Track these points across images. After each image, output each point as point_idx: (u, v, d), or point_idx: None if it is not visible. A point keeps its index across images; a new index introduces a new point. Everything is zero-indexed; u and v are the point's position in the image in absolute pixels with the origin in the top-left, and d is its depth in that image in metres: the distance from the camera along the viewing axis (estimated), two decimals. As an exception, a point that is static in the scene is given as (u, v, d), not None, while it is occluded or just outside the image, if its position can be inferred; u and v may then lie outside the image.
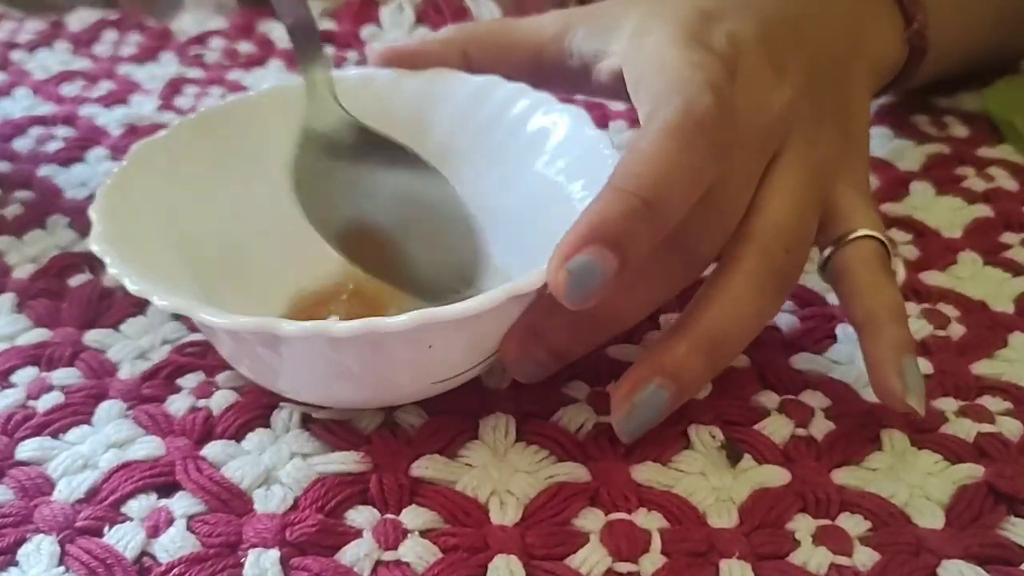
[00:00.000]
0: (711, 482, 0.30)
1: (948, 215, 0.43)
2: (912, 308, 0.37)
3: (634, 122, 0.48)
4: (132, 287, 0.28)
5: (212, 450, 0.31)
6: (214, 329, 0.30)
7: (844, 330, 0.36)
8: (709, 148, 0.29)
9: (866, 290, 0.32)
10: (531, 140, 0.36)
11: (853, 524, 0.29)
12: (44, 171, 0.45)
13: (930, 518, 0.29)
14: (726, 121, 0.30)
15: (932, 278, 0.39)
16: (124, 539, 0.28)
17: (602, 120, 0.48)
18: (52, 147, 0.46)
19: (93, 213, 0.31)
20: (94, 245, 0.30)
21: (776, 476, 0.30)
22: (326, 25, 0.57)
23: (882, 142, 0.48)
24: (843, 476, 0.30)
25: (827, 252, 0.34)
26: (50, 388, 0.33)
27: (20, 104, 0.50)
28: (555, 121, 0.36)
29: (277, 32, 0.57)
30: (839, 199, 0.34)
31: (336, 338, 0.26)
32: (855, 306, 0.32)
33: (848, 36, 0.39)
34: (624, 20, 0.37)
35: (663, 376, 0.30)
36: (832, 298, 0.38)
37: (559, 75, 0.38)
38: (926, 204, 0.44)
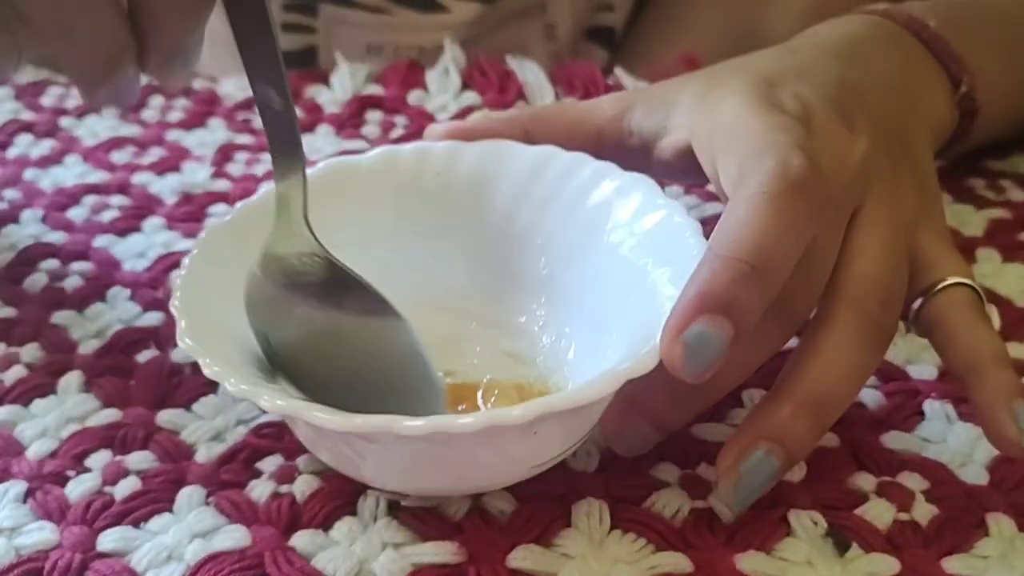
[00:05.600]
0: (819, 572, 0.29)
1: (1018, 283, 0.42)
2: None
3: (690, 188, 0.47)
4: (233, 389, 0.28)
5: (300, 540, 0.30)
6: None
7: (931, 406, 0.35)
8: (807, 208, 0.30)
9: (964, 337, 0.32)
10: (598, 209, 0.36)
11: (969, 616, 0.28)
12: (100, 241, 0.44)
13: (1046, 608, 0.28)
14: (818, 180, 0.31)
15: (1014, 350, 0.38)
16: (218, 638, 0.27)
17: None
18: (107, 216, 0.46)
19: (175, 308, 0.31)
20: (183, 342, 0.29)
21: (886, 565, 0.29)
22: (372, 90, 0.57)
23: (942, 207, 0.48)
24: (955, 565, 0.30)
25: (917, 304, 0.33)
26: (126, 473, 0.33)
27: (72, 171, 0.49)
28: (622, 189, 0.35)
29: (324, 97, 0.56)
30: (924, 249, 0.34)
31: (455, 434, 0.26)
32: (954, 354, 0.32)
33: (903, 98, 0.39)
34: (682, 95, 0.38)
35: (770, 441, 0.29)
36: (914, 371, 0.37)
37: (620, 155, 0.38)
38: (995, 272, 0.43)
